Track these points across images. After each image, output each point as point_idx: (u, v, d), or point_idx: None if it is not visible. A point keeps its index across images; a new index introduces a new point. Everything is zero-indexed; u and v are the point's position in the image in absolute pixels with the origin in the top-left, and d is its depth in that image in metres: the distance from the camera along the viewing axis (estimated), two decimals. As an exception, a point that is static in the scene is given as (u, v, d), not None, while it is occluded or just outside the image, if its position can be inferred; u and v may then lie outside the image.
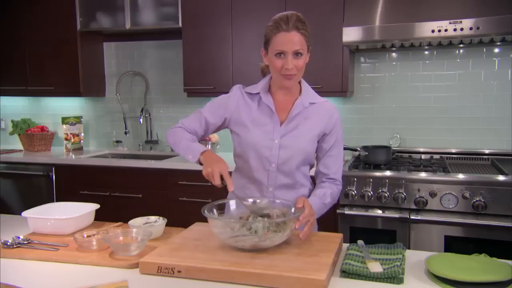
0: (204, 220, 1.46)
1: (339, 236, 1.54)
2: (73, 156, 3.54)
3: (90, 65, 3.76)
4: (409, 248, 2.10)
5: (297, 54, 1.57)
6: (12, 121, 3.89)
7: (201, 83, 3.31)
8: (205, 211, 1.44)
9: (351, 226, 2.66)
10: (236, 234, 1.36)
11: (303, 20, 1.59)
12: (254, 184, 1.74)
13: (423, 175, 2.57)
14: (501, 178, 2.45)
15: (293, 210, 1.49)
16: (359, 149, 2.91)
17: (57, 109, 4.08)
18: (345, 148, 3.01)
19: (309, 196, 1.71)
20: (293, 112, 1.69)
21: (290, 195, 1.69)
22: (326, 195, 1.68)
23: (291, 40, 1.55)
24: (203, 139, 1.80)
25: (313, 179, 1.81)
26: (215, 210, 1.52)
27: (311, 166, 1.80)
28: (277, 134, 1.69)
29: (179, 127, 1.74)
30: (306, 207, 1.46)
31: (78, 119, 3.90)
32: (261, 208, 1.53)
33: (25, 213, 1.67)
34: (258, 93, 1.73)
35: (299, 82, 1.74)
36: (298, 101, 1.70)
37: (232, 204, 1.59)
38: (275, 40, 1.56)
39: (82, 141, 3.93)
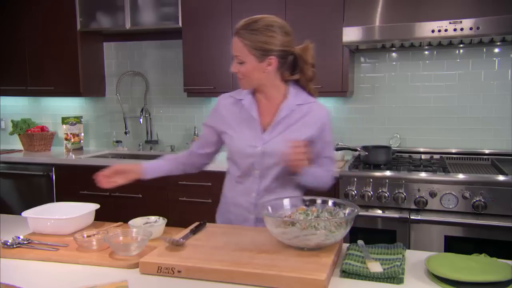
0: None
1: (339, 236, 1.54)
2: (73, 156, 3.54)
3: (90, 65, 3.76)
4: (409, 248, 2.09)
5: (238, 59, 1.60)
6: (12, 121, 3.89)
7: (201, 83, 3.31)
8: (269, 214, 1.43)
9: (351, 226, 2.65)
10: (304, 234, 1.35)
11: (257, 27, 1.56)
12: (240, 187, 1.74)
13: (423, 175, 2.57)
14: (501, 178, 2.45)
15: (348, 211, 1.48)
16: (359, 149, 2.91)
17: (57, 109, 4.08)
18: (345, 148, 3.04)
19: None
20: (279, 116, 1.66)
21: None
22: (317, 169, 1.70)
23: (232, 45, 1.62)
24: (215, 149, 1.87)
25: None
26: (270, 208, 1.50)
27: None
28: (259, 141, 1.66)
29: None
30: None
31: (78, 119, 3.90)
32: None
33: (25, 213, 1.67)
34: (241, 100, 1.72)
35: (287, 84, 1.70)
36: (284, 104, 1.66)
37: (287, 203, 1.57)
38: None
39: (82, 141, 3.93)
